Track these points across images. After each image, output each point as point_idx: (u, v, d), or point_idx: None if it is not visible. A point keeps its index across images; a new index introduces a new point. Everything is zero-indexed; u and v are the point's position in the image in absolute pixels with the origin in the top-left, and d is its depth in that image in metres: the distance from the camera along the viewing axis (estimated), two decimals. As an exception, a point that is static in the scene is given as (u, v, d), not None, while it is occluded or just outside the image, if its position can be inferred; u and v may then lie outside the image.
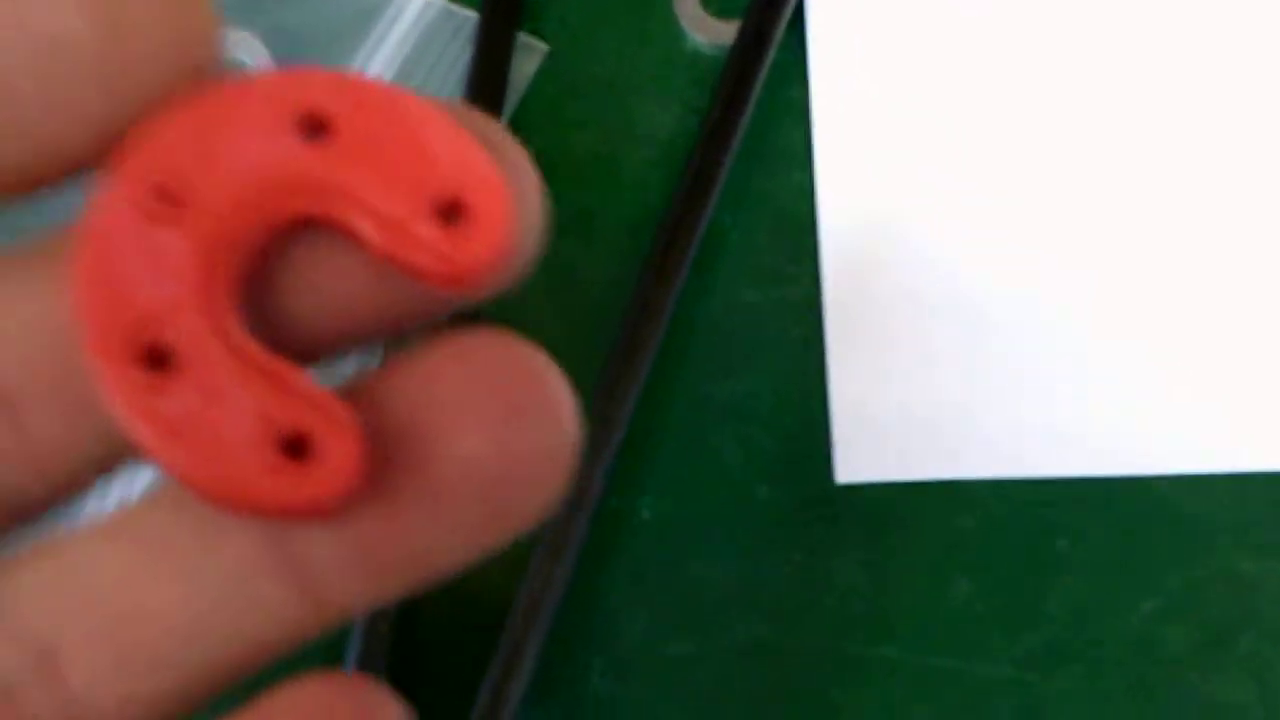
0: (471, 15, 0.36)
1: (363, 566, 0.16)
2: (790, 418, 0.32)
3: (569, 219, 0.34)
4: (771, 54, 0.35)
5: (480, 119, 0.16)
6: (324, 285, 0.16)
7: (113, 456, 0.17)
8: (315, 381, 0.15)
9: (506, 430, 0.16)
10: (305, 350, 0.16)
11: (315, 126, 0.16)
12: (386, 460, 0.16)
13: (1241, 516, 0.32)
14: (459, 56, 0.35)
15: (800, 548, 0.31)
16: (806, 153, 0.35)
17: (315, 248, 0.16)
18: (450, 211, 0.15)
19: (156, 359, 0.15)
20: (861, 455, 0.32)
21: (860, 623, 0.31)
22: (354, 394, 0.16)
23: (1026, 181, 0.34)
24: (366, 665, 0.29)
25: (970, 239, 0.33)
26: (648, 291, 0.32)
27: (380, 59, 0.35)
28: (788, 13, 0.35)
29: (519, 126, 0.35)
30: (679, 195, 0.33)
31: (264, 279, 0.16)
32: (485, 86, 0.35)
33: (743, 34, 0.35)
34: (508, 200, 0.16)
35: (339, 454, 0.15)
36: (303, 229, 0.16)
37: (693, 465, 0.32)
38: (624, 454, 0.31)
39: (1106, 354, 0.32)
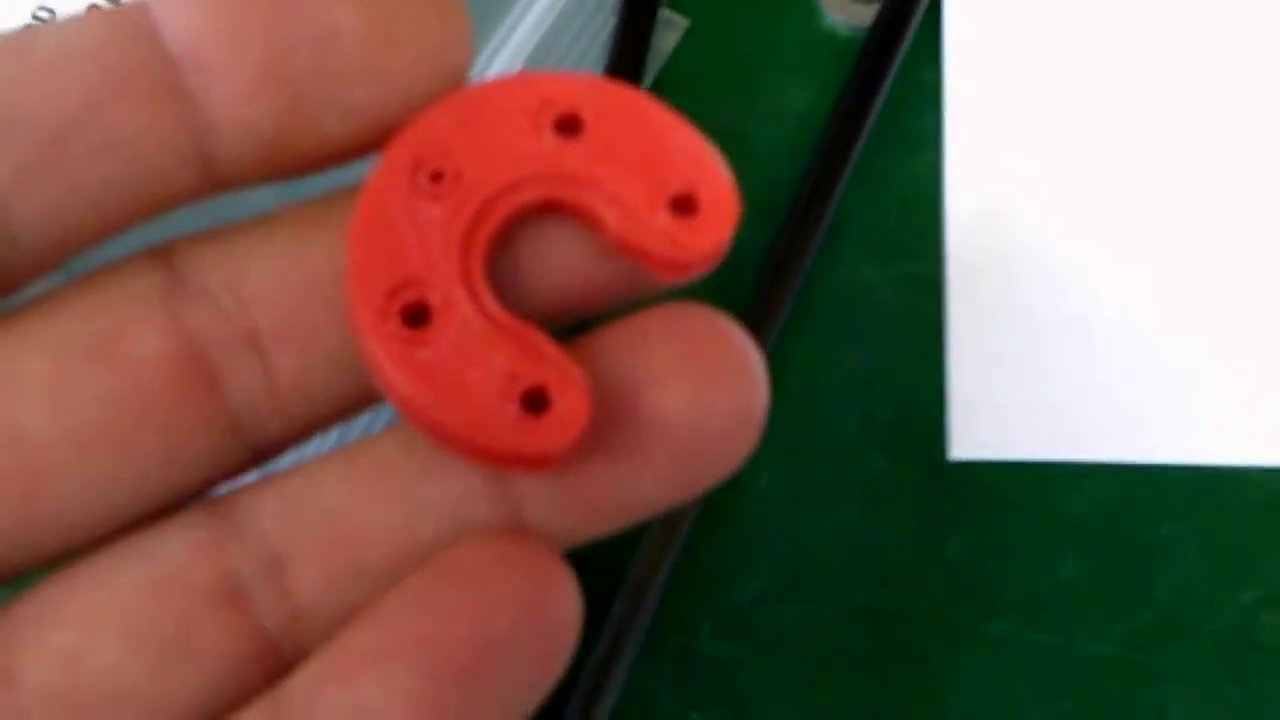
0: (613, -9, 0.37)
1: (569, 508, 0.18)
2: (907, 393, 0.33)
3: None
4: (909, 38, 0.35)
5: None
6: (561, 261, 0.18)
7: (349, 407, 0.18)
8: (552, 342, 0.17)
9: (706, 390, 0.17)
10: (537, 316, 0.18)
11: (568, 124, 0.18)
12: (600, 412, 0.17)
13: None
14: (601, 28, 0.36)
15: (912, 519, 0.32)
16: (936, 135, 0.35)
17: (556, 229, 0.18)
18: (682, 204, 0.17)
19: (415, 316, 0.17)
20: (976, 432, 0.33)
21: (968, 595, 0.32)
22: (575, 348, 0.18)
23: (1149, 175, 0.34)
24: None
25: (1090, 228, 0.34)
26: (777, 264, 0.33)
27: (524, 28, 0.36)
28: (922, 5, 0.36)
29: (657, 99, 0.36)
30: (812, 172, 0.34)
31: (511, 253, 0.18)
32: (626, 59, 0.36)
33: (880, 16, 0.36)
34: (734, 197, 0.18)
35: (571, 409, 0.17)
36: (549, 212, 0.18)
37: (810, 434, 0.33)
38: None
39: (1215, 345, 0.33)
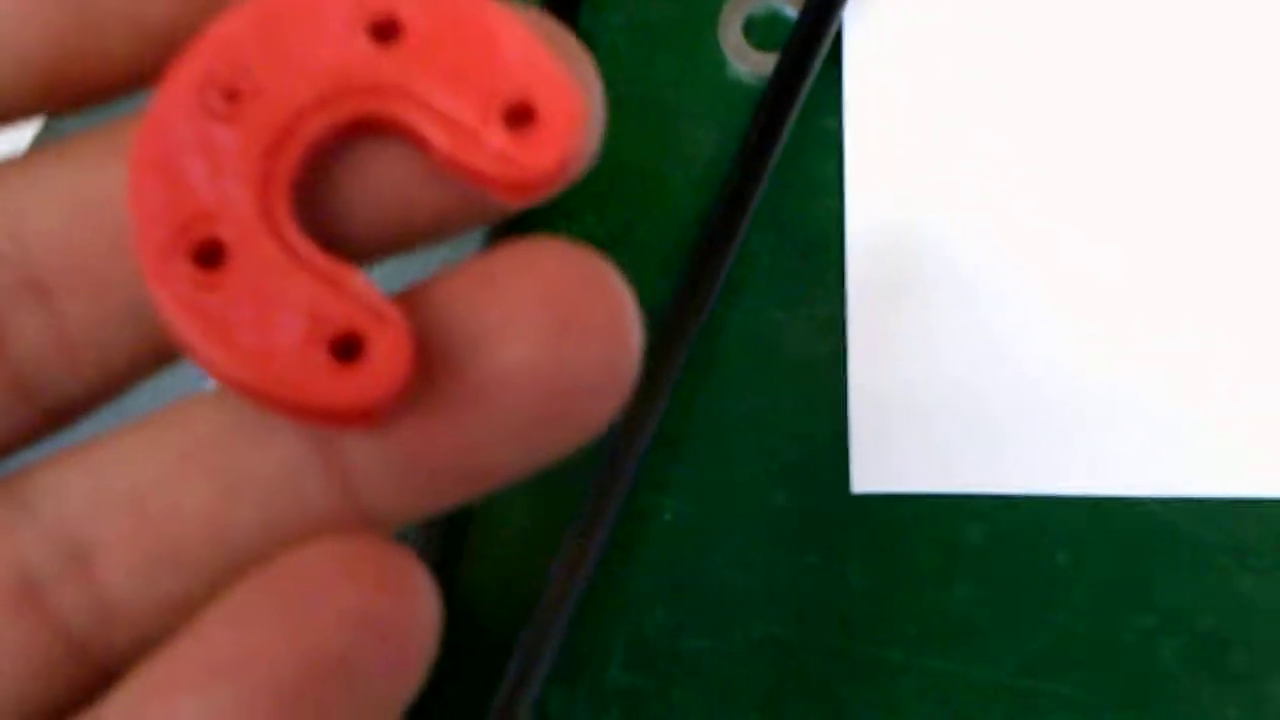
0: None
1: (408, 474, 0.16)
2: (810, 430, 0.34)
3: (611, 234, 0.36)
4: (808, 86, 0.36)
5: (548, 23, 0.16)
6: (381, 186, 0.16)
7: (153, 357, 0.16)
8: (368, 282, 0.15)
9: (561, 339, 0.15)
10: (357, 251, 0.16)
11: (385, 28, 0.15)
12: (435, 365, 0.15)
13: (1238, 540, 0.33)
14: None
15: (815, 552, 0.33)
16: (838, 181, 0.36)
17: (374, 149, 0.16)
18: (518, 116, 0.15)
19: (207, 255, 0.15)
20: (877, 467, 0.33)
21: (869, 625, 0.33)
22: (408, 298, 0.16)
23: (1049, 217, 0.36)
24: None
25: (988, 268, 0.35)
26: (680, 306, 0.34)
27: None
28: (825, 47, 0.37)
29: None
30: (714, 216, 0.35)
31: (321, 179, 0.16)
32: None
33: (781, 65, 0.37)
34: (577, 104, 0.15)
35: (389, 356, 0.15)
36: (364, 131, 0.16)
37: (715, 471, 0.34)
38: (650, 457, 0.33)
39: (1112, 381, 0.34)
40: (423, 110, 0.15)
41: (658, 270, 0.36)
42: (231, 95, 0.15)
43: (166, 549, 0.16)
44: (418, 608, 0.15)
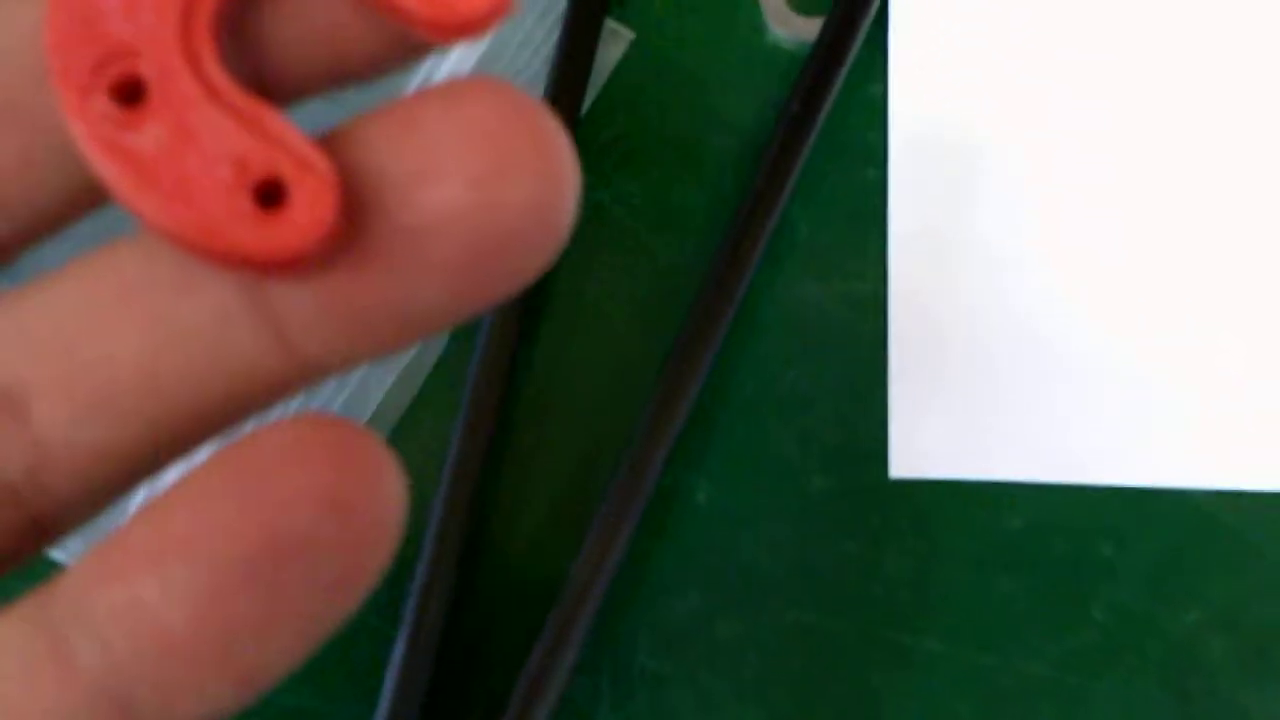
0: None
1: (340, 319, 0.15)
2: (849, 411, 0.33)
3: (646, 201, 0.35)
4: (854, 53, 0.35)
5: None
6: (307, 21, 0.15)
7: (85, 198, 0.16)
8: (292, 125, 0.15)
9: (493, 178, 0.15)
10: (282, 89, 0.16)
11: None
12: (364, 209, 0.15)
13: (1284, 533, 0.32)
14: (546, 38, 0.36)
15: (851, 538, 0.32)
16: (881, 150, 0.35)
17: None
18: None
19: (127, 93, 0.15)
20: (916, 452, 0.32)
21: (906, 613, 0.32)
22: (334, 139, 0.15)
23: (1094, 193, 0.34)
24: (420, 632, 0.30)
25: (1035, 248, 0.34)
26: (718, 280, 0.33)
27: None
28: (872, 11, 0.36)
29: (603, 110, 0.36)
30: (755, 188, 0.34)
31: (246, 13, 0.15)
32: (571, 70, 0.36)
33: (826, 30, 0.35)
34: None
35: (314, 202, 0.14)
36: None
37: (751, 452, 0.33)
38: (683, 437, 0.32)
39: (1157, 368, 0.33)
40: None
41: (695, 242, 0.35)
42: None
43: (99, 395, 0.15)
44: (381, 487, 0.15)
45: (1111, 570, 0.32)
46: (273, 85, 0.15)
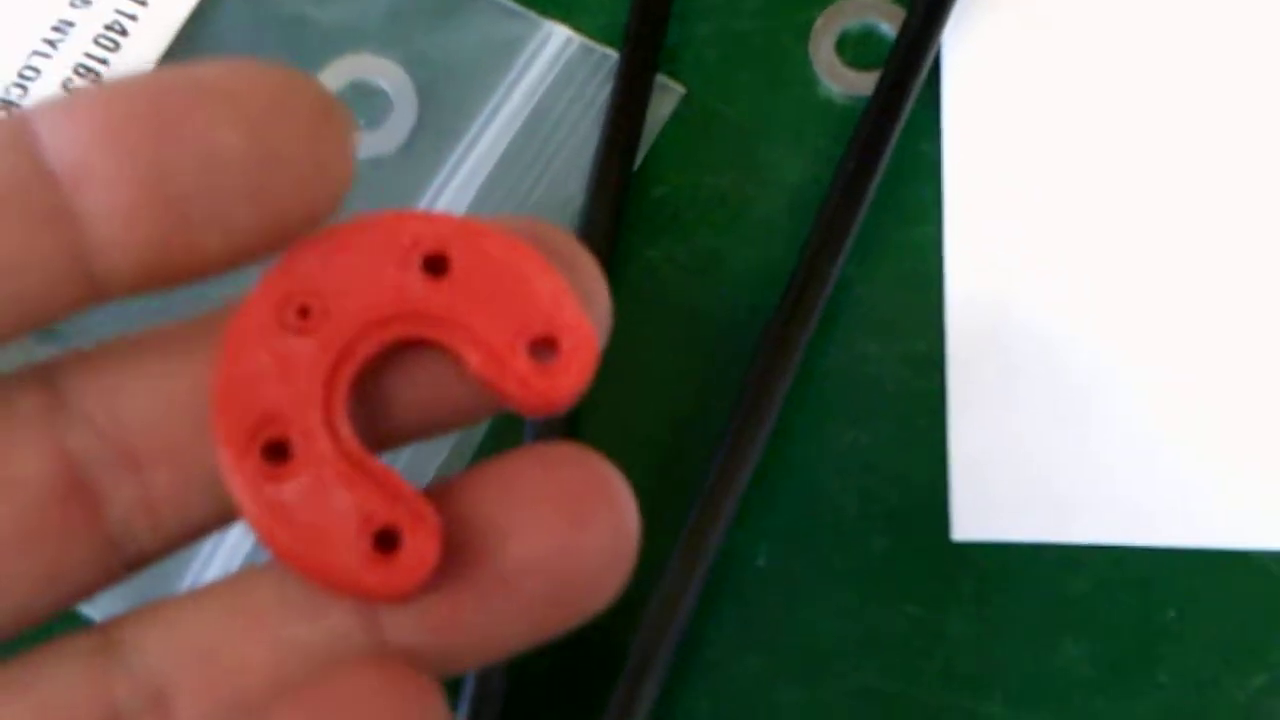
0: (611, 54, 0.36)
1: (439, 648, 0.18)
2: (909, 472, 0.33)
3: (696, 260, 0.35)
4: (909, 108, 0.35)
5: (566, 240, 0.19)
6: (420, 388, 0.19)
7: (222, 522, 0.19)
8: (405, 481, 0.18)
9: (573, 531, 0.18)
10: (388, 438, 0.19)
11: (436, 263, 0.18)
12: (464, 553, 0.18)
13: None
14: (597, 94, 0.36)
15: (913, 600, 0.32)
16: (936, 208, 0.35)
17: (419, 359, 0.19)
18: (544, 347, 0.18)
19: (276, 451, 0.18)
20: (978, 513, 0.32)
21: (969, 678, 0.31)
22: (442, 491, 0.18)
23: (1155, 251, 0.34)
24: (481, 713, 0.30)
25: (1092, 306, 0.34)
26: (776, 342, 0.33)
27: (520, 92, 0.36)
28: (927, 65, 0.35)
29: (653, 167, 0.36)
30: (810, 246, 0.34)
31: (374, 381, 0.18)
32: (623, 125, 0.35)
33: (880, 85, 0.35)
34: (594, 343, 0.18)
35: (421, 549, 0.17)
36: (413, 347, 0.18)
37: (810, 514, 0.33)
38: (742, 500, 0.32)
39: (1221, 426, 0.33)
40: (462, 335, 0.18)
41: (744, 298, 0.35)
42: (304, 312, 0.18)
43: (231, 697, 0.18)
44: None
45: (1176, 634, 0.32)
46: (387, 433, 0.19)
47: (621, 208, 0.35)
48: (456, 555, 0.18)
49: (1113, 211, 0.35)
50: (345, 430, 0.18)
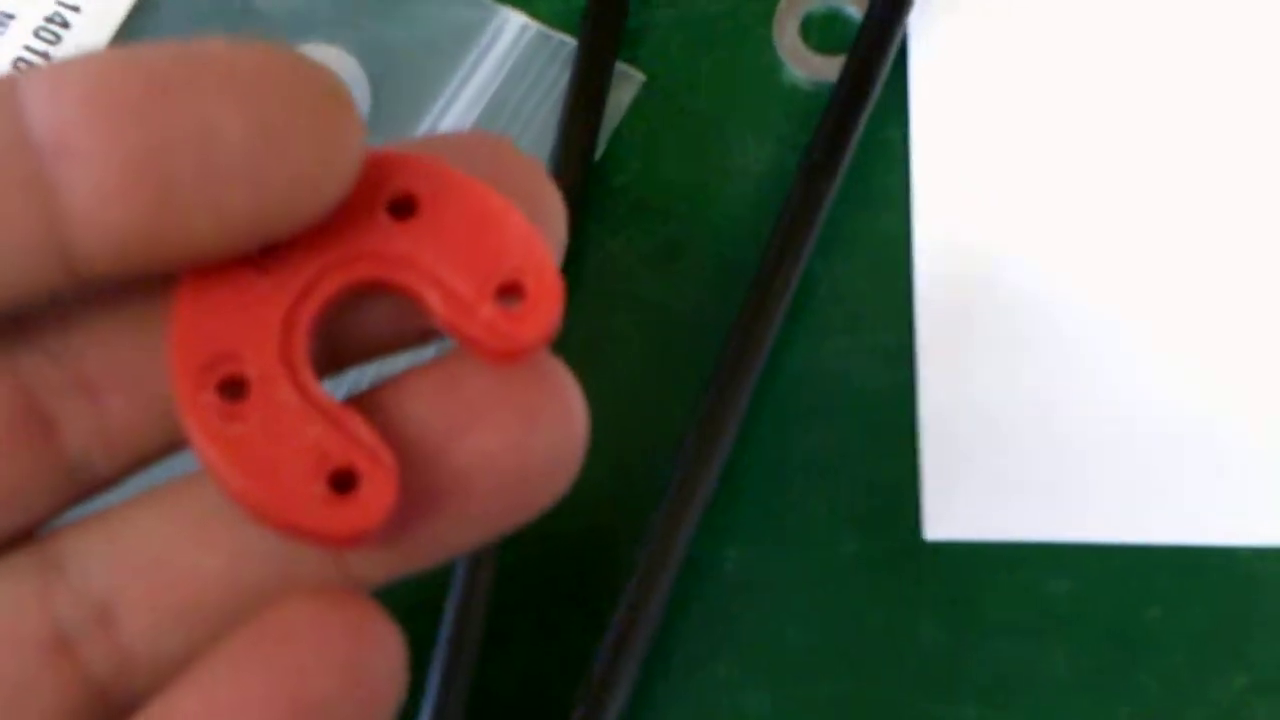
0: (569, 41, 0.35)
1: (389, 553, 0.18)
2: (879, 470, 0.32)
3: (659, 251, 0.34)
4: (875, 96, 0.34)
5: (528, 166, 0.19)
6: (382, 329, 0.19)
7: (176, 446, 0.19)
8: (366, 425, 0.17)
9: (522, 430, 0.18)
10: (347, 362, 0.19)
11: (404, 205, 0.18)
12: (411, 457, 0.18)
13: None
14: (555, 81, 0.35)
15: (885, 604, 0.31)
16: (903, 195, 0.34)
17: (382, 299, 0.18)
18: (510, 292, 0.18)
19: (232, 388, 0.17)
20: (951, 512, 0.31)
21: (944, 682, 0.30)
22: (386, 391, 0.18)
23: (1129, 236, 0.33)
24: (446, 704, 0.29)
25: (1069, 294, 0.33)
26: (742, 337, 0.32)
27: (477, 80, 0.35)
28: (893, 52, 0.34)
29: (614, 155, 0.35)
30: (775, 240, 0.33)
31: (331, 319, 0.18)
32: (581, 113, 0.34)
33: (846, 73, 0.34)
34: (559, 288, 0.18)
35: (379, 492, 0.17)
36: (374, 290, 0.18)
37: (778, 516, 0.32)
38: (708, 501, 0.31)
39: (1206, 422, 0.32)
40: (426, 280, 0.18)
41: (708, 290, 0.33)
42: (266, 249, 0.17)
43: (180, 608, 0.18)
44: (388, 657, 0.17)
45: (1158, 635, 0.31)
46: (336, 363, 0.19)
47: (582, 197, 0.34)
48: (407, 453, 0.18)
49: (1084, 197, 0.34)
50: (304, 370, 0.17)
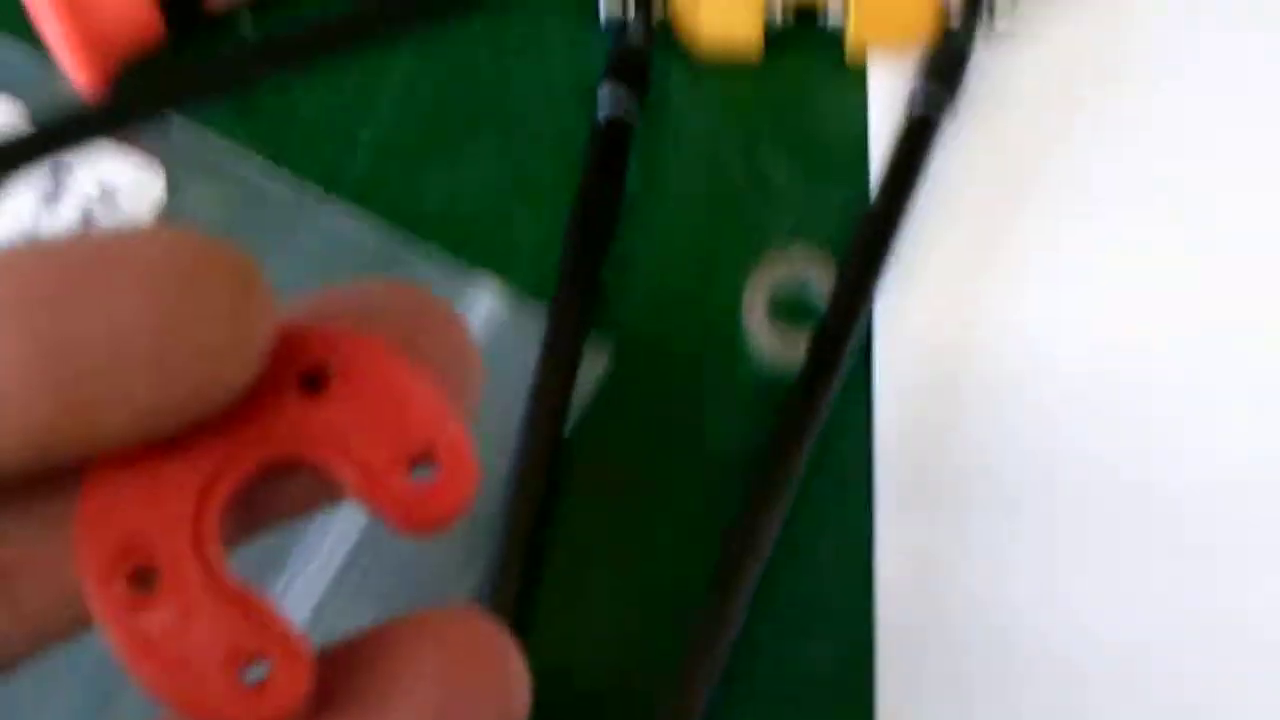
0: (542, 310, 0.36)
1: None
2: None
3: (628, 536, 0.35)
4: (835, 388, 0.35)
5: (446, 318, 0.19)
6: (294, 505, 0.18)
7: (90, 625, 0.18)
8: (277, 611, 0.17)
9: (462, 702, 0.17)
10: (253, 527, 0.18)
11: (314, 380, 0.18)
12: (341, 710, 0.17)
13: None
14: (526, 356, 0.36)
15: None
16: (865, 475, 0.35)
17: (293, 475, 0.18)
18: (424, 464, 0.18)
19: (142, 578, 0.17)
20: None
21: None
22: (337, 652, 0.18)
23: (1083, 533, 0.34)
24: None
25: (1022, 590, 0.34)
26: (705, 631, 0.33)
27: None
28: (855, 336, 0.35)
29: (584, 431, 0.35)
30: (739, 535, 0.33)
31: (243, 496, 0.18)
32: (550, 393, 0.35)
33: (809, 362, 0.35)
34: (473, 460, 0.18)
35: (291, 682, 0.17)
36: (287, 466, 0.18)
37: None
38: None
39: (1169, 681, 0.33)
40: (340, 452, 0.17)
41: (678, 569, 0.34)
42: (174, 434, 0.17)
43: None
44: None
45: None
46: (245, 533, 0.18)
47: (554, 478, 0.35)
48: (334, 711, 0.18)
49: (1052, 474, 0.35)
50: (216, 555, 0.17)
